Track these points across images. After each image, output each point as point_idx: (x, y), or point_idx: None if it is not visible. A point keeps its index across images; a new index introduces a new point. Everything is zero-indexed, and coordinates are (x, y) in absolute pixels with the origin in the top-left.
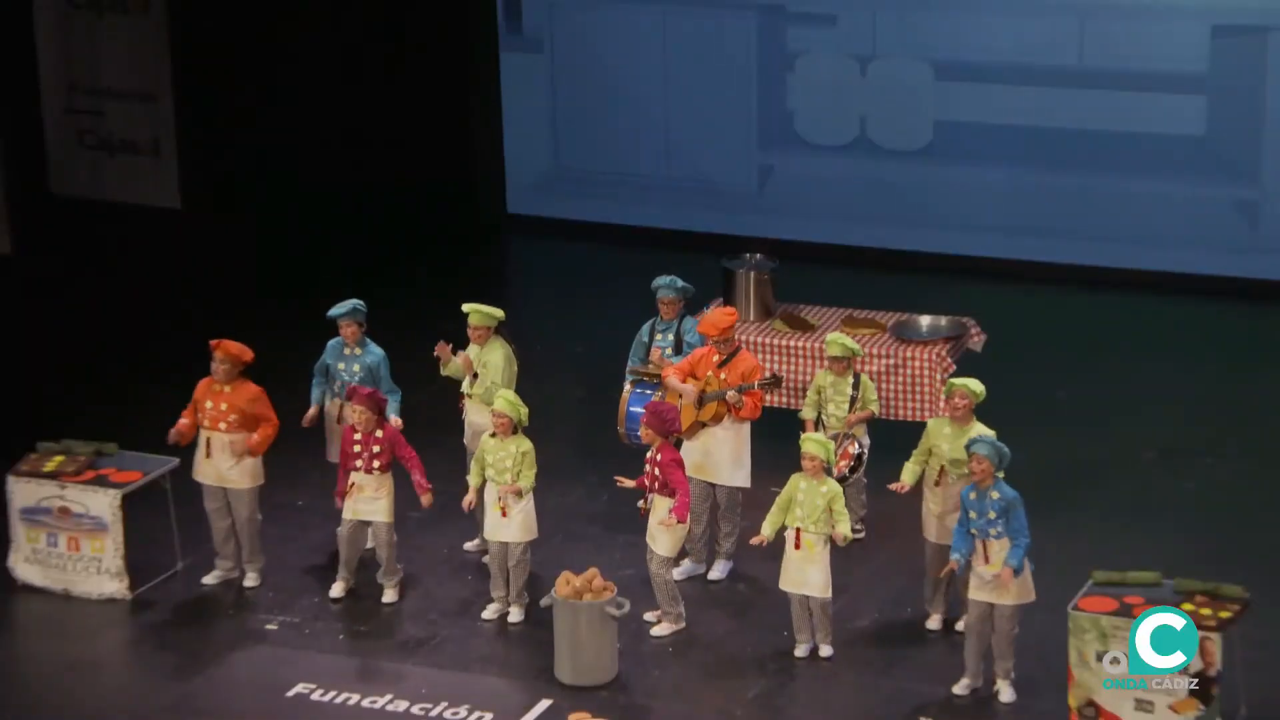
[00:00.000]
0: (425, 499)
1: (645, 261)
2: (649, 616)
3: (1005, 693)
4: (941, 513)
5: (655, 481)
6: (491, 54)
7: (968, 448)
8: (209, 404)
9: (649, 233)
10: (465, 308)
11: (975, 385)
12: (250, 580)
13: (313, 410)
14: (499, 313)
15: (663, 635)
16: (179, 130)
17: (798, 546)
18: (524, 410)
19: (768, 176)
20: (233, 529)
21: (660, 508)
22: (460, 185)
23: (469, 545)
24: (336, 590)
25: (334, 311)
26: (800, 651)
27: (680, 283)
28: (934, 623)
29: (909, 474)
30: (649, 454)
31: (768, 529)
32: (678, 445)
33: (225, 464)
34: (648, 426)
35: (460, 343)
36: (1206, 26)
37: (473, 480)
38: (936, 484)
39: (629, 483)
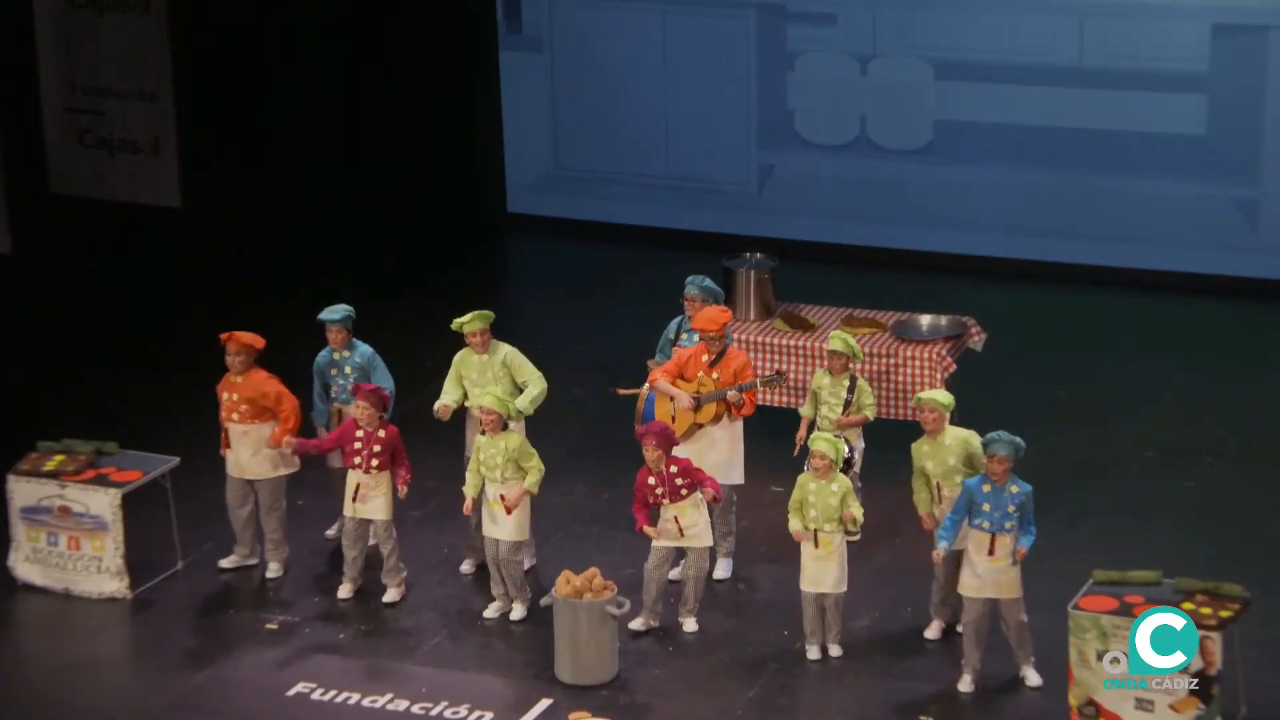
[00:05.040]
0: (402, 489)
1: (645, 261)
2: (689, 626)
3: (1031, 677)
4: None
5: (672, 490)
6: (491, 53)
7: (985, 446)
8: (225, 396)
9: (649, 232)
10: (457, 322)
11: (942, 397)
12: (272, 570)
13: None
14: (489, 313)
15: (695, 630)
16: (179, 130)
17: (816, 546)
18: (512, 406)
19: (768, 176)
20: (253, 519)
21: (686, 511)
22: (460, 185)
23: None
24: (344, 591)
25: (326, 316)
26: (812, 654)
27: (707, 282)
28: (933, 631)
29: (923, 504)
30: (657, 470)
31: (797, 525)
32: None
33: (245, 454)
34: (657, 448)
35: (464, 346)
36: (1206, 26)
37: (469, 491)
38: (938, 502)
39: (650, 531)
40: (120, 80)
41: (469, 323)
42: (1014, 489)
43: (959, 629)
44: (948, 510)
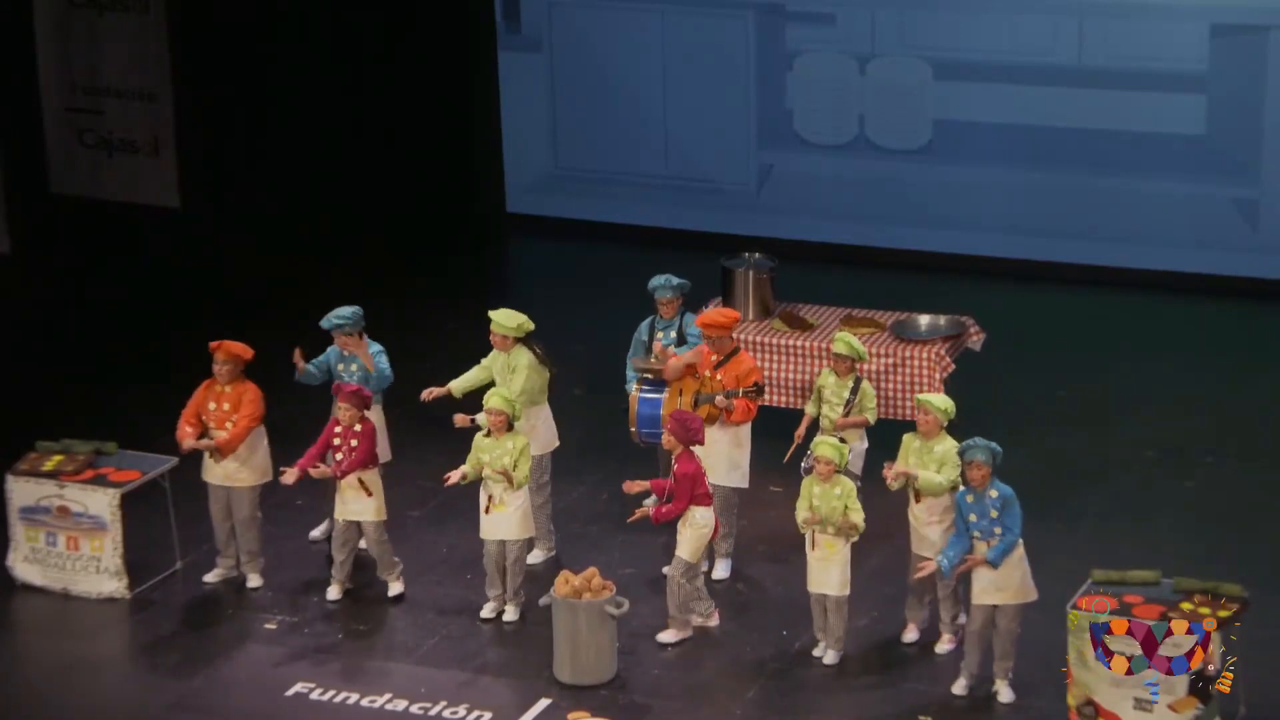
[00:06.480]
0: (324, 471)
1: (645, 261)
2: (664, 637)
3: (1004, 693)
4: (919, 526)
5: (664, 487)
6: (490, 53)
7: (961, 454)
8: (212, 405)
9: (649, 232)
10: (491, 313)
11: (940, 402)
12: (252, 581)
13: (298, 352)
14: (514, 326)
15: (668, 642)
16: (179, 129)
17: (814, 548)
18: (519, 407)
19: (767, 176)
20: (234, 529)
21: (691, 513)
22: (459, 185)
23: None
24: (332, 593)
25: (323, 325)
26: (819, 651)
27: (675, 280)
28: (910, 634)
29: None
30: (671, 462)
31: (804, 512)
32: None
33: (231, 464)
34: (671, 434)
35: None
36: (1206, 26)
37: (469, 471)
38: (917, 501)
39: (639, 486)
40: (120, 80)
41: (493, 321)
42: (993, 494)
43: (937, 648)
44: (924, 506)
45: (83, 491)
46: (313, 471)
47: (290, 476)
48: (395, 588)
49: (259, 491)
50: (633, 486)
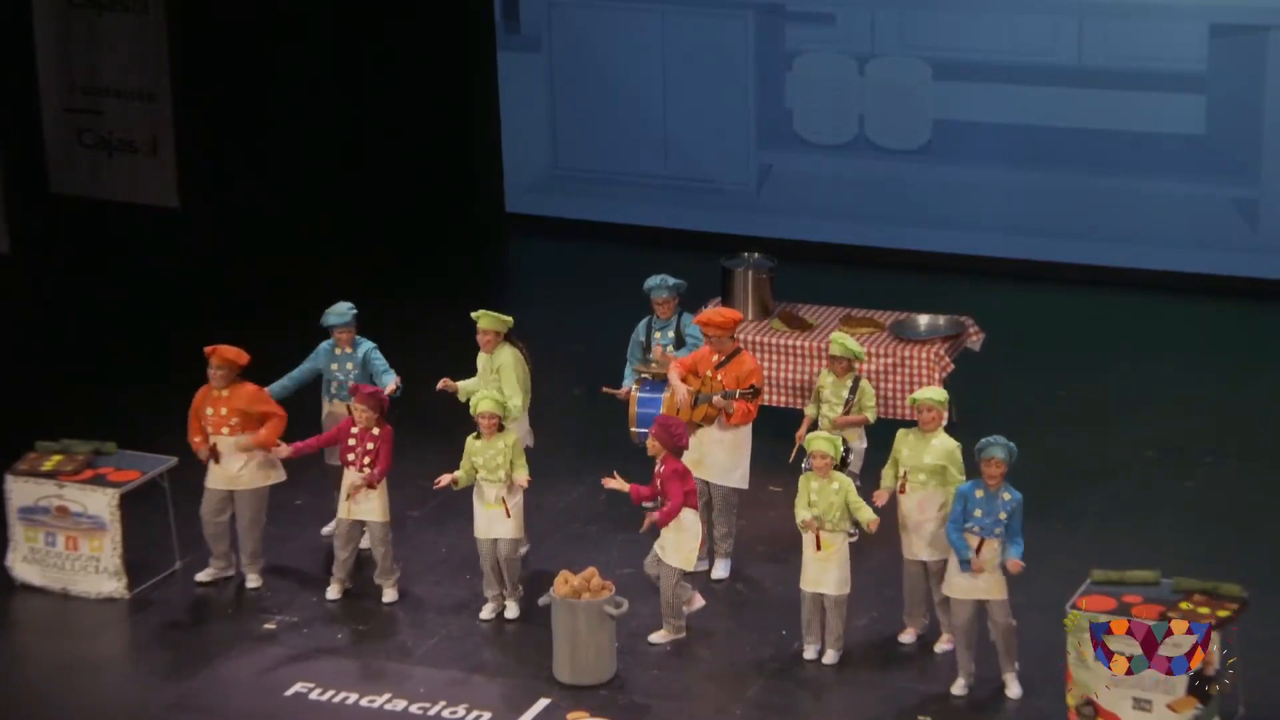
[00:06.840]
0: (370, 484)
1: (644, 261)
2: (655, 638)
3: (1013, 687)
4: (907, 520)
5: (652, 488)
6: (490, 53)
7: (979, 451)
8: (209, 411)
9: (648, 232)
10: (475, 314)
11: (938, 395)
12: (252, 582)
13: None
14: (508, 319)
15: (660, 642)
16: (178, 130)
17: (818, 548)
18: (509, 406)
19: (766, 176)
20: (229, 530)
21: (679, 516)
22: (459, 185)
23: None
24: (332, 592)
25: (332, 322)
26: (809, 653)
27: (671, 280)
28: (908, 636)
29: (886, 483)
30: (656, 466)
31: (805, 513)
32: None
33: (234, 466)
34: (655, 439)
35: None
36: (1206, 26)
37: (462, 477)
38: (901, 492)
39: (617, 484)
40: (120, 80)
41: (478, 319)
42: (1006, 496)
43: (936, 648)
44: (914, 500)
45: (82, 491)
46: (355, 484)
47: (284, 451)
48: (390, 594)
49: (265, 495)
50: (610, 483)
